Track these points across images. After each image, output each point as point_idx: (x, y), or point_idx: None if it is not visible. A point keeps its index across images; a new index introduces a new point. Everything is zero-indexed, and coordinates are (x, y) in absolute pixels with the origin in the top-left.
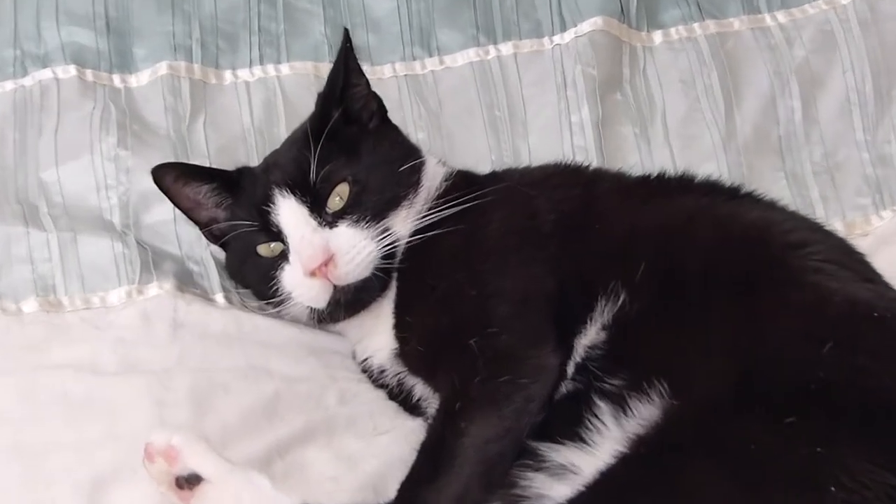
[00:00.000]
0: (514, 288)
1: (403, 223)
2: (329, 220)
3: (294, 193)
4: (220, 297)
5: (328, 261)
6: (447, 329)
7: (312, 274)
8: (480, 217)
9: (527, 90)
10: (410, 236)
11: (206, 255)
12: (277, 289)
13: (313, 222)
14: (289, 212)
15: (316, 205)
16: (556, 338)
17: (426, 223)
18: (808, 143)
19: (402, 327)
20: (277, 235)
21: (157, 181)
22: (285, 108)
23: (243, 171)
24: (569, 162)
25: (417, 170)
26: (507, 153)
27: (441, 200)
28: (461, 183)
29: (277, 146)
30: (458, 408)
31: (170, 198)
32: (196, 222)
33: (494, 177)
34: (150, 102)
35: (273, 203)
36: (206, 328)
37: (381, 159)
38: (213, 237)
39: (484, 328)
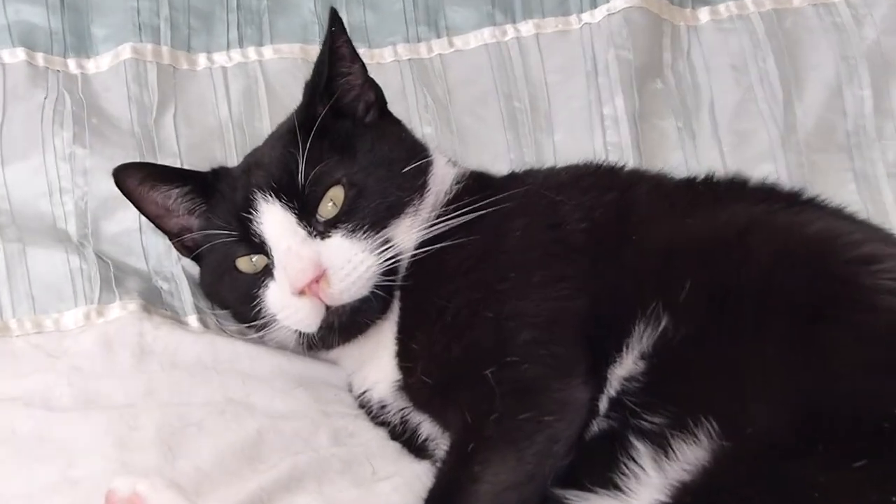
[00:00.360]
0: (538, 309)
1: (407, 233)
2: (320, 229)
3: (279, 198)
4: (193, 320)
5: (319, 277)
6: (459, 357)
7: (301, 292)
8: (498, 226)
9: (551, 77)
10: (416, 249)
11: (177, 271)
12: (260, 310)
13: (302, 232)
14: (273, 219)
15: (305, 211)
16: (586, 368)
17: (434, 233)
18: (880, 140)
19: (407, 355)
20: (260, 247)
21: (119, 184)
22: (269, 98)
23: (220, 173)
24: (601, 162)
25: (423, 171)
26: (528, 151)
27: (451, 207)
28: (475, 186)
29: (260, 143)
30: (471, 449)
31: (134, 203)
32: (165, 232)
33: (514, 179)
34: (112, 91)
35: (255, 209)
36: (178, 356)
37: (381, 158)
38: (186, 249)
39: (502, 356)
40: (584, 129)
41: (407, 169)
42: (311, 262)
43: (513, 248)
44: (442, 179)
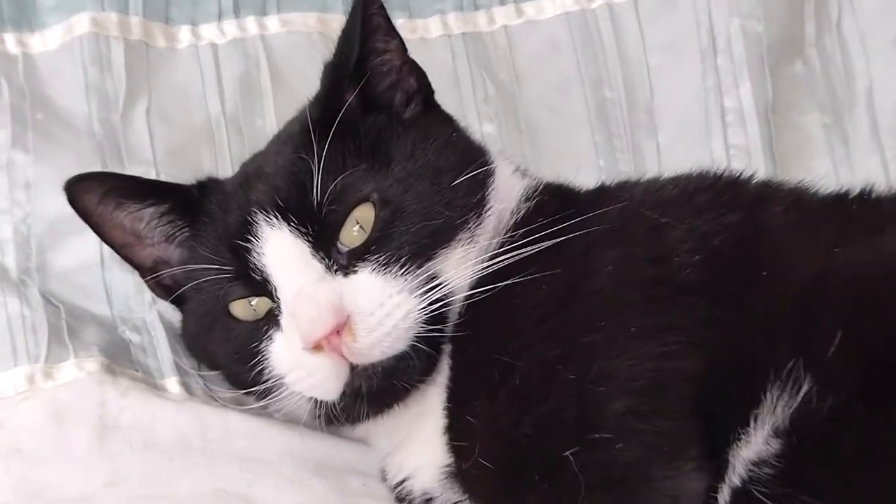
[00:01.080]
0: (636, 371)
1: (460, 267)
2: (343, 262)
3: (288, 221)
4: (173, 384)
5: (342, 327)
6: (531, 434)
7: (318, 347)
8: (583, 259)
9: (653, 58)
10: (471, 288)
11: (150, 318)
12: (263, 370)
13: (318, 266)
14: (280, 250)
15: (322, 239)
16: (700, 449)
17: (497, 268)
18: None
19: (461, 431)
20: (262, 287)
21: (73, 202)
22: (274, 86)
23: (208, 187)
24: (720, 172)
25: (482, 183)
26: (622, 157)
27: (520, 232)
28: (552, 204)
29: (262, 146)
30: None
31: (94, 228)
32: (135, 266)
33: (604, 194)
34: (63, 77)
35: (255, 236)
36: (152, 433)
37: (425, 167)
38: (162, 289)
39: (588, 434)
40: (697, 127)
41: (459, 181)
42: (329, 306)
43: (603, 288)
44: (507, 195)
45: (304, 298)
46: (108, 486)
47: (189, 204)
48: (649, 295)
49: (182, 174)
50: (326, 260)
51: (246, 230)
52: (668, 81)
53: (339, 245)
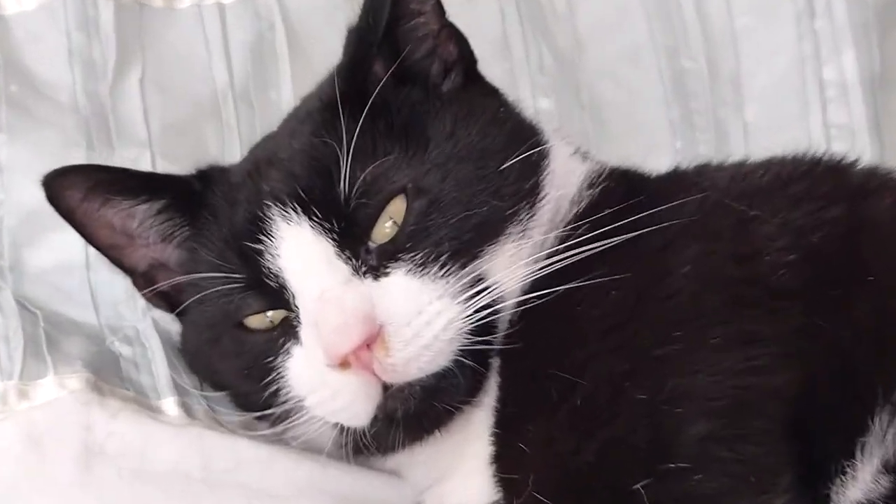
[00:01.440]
0: (717, 388)
1: (511, 267)
2: (373, 262)
3: (309, 215)
4: (171, 405)
5: (373, 339)
6: (594, 463)
7: (344, 363)
8: (658, 256)
9: (740, 21)
10: (525, 292)
11: (144, 327)
12: (279, 390)
13: (344, 268)
14: (299, 249)
15: (349, 236)
16: (793, 478)
17: (555, 268)
18: None
19: (510, 461)
20: (278, 295)
21: (53, 199)
22: (291, 52)
23: (212, 176)
24: (819, 156)
25: (535, 166)
26: (703, 137)
27: (582, 225)
28: (620, 192)
29: (275, 124)
30: None
31: (78, 228)
32: (127, 271)
33: (681, 181)
34: (43, 42)
35: (269, 234)
36: (146, 461)
37: (467, 148)
38: (161, 298)
39: (661, 462)
40: (792, 102)
41: (508, 164)
42: (358, 314)
43: (680, 291)
44: (565, 181)
45: (329, 305)
46: None
47: (190, 198)
48: (735, 299)
49: (182, 156)
50: (354, 260)
51: (257, 228)
52: (758, 49)
53: (369, 243)
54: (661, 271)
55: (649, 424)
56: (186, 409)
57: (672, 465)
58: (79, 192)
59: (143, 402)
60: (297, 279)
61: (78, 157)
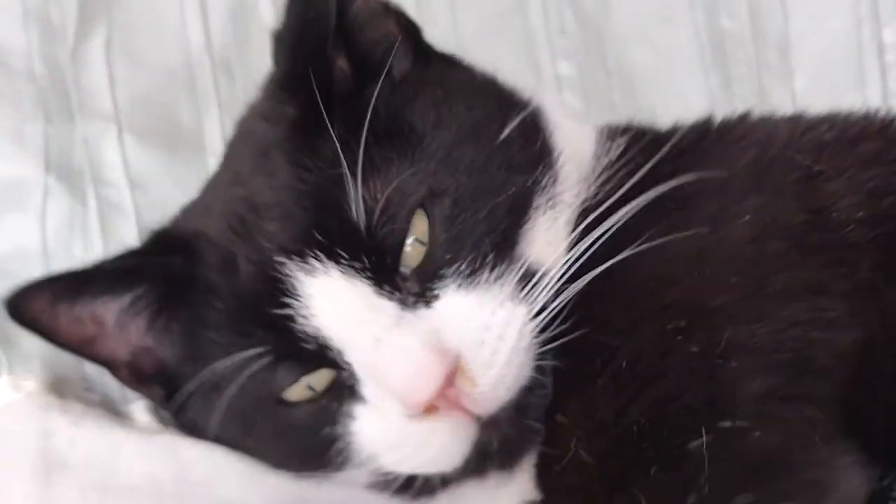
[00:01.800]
0: (777, 339)
1: (553, 243)
2: (415, 290)
3: (336, 259)
4: (139, 410)
5: (452, 374)
6: (643, 423)
7: (429, 409)
8: (710, 208)
9: None
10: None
11: None
12: (344, 457)
13: (389, 305)
14: (334, 300)
15: (383, 270)
16: (857, 442)
17: (596, 239)
18: None
19: (551, 435)
20: (318, 356)
21: (18, 317)
22: (277, 13)
23: (192, 247)
24: (891, 115)
25: (535, 126)
26: (745, 106)
27: (616, 176)
28: (649, 139)
29: (254, 93)
30: None
31: (47, 336)
32: (105, 363)
33: (726, 133)
34: None
35: (292, 294)
36: (113, 473)
37: (460, 130)
38: (151, 383)
39: (716, 420)
40: (847, 68)
41: (507, 133)
42: (429, 352)
43: (738, 238)
44: (573, 134)
45: (387, 351)
46: None
47: (172, 280)
48: (801, 244)
49: (152, 131)
50: (396, 293)
51: (276, 290)
52: (808, 8)
53: (401, 271)
54: (718, 220)
55: (703, 380)
56: (158, 416)
57: (728, 425)
58: (44, 304)
59: (110, 407)
60: (342, 334)
61: (34, 133)
